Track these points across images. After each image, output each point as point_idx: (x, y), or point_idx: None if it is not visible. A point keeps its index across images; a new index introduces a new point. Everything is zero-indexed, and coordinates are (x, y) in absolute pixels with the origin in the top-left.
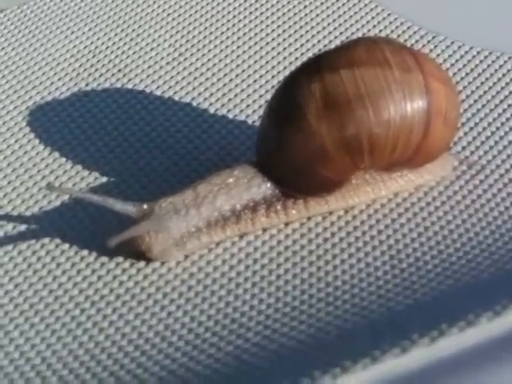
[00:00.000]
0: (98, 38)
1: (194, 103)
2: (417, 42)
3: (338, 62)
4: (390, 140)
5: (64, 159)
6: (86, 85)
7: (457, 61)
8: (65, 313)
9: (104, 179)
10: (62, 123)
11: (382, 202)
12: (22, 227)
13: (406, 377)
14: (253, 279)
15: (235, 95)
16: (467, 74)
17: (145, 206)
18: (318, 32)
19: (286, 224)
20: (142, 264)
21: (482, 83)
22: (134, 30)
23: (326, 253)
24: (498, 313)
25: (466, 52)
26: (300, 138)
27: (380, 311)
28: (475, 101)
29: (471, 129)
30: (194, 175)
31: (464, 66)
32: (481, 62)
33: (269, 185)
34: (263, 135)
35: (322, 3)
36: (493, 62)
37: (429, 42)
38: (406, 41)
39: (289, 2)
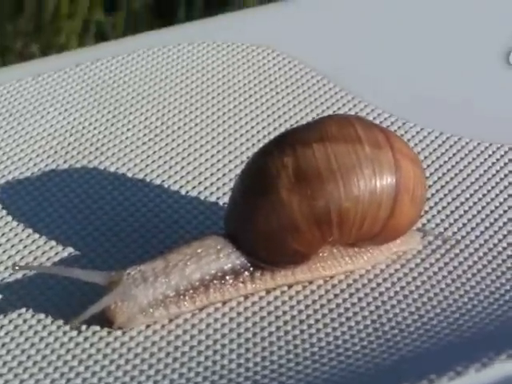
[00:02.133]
0: (74, 119)
1: (170, 181)
2: (388, 127)
3: (311, 137)
4: (358, 215)
5: (38, 234)
6: (64, 162)
7: (427, 145)
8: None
9: (76, 252)
10: (41, 198)
11: (361, 272)
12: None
13: None
14: (238, 341)
15: (211, 174)
16: (438, 158)
17: (113, 274)
18: (285, 113)
19: (268, 292)
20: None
21: (453, 167)
22: (109, 112)
23: (309, 317)
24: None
25: (436, 137)
26: (271, 209)
27: (367, 367)
28: (447, 182)
29: (444, 208)
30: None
31: (434, 150)
32: (450, 147)
33: (238, 255)
34: (233, 205)
35: (287, 87)
36: (462, 147)
37: (399, 127)
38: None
39: (256, 85)
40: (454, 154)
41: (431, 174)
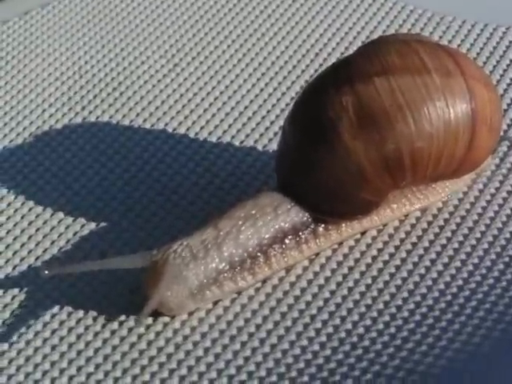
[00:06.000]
0: (79, 58)
1: (196, 132)
2: (425, 25)
3: (370, 70)
4: (433, 154)
5: (49, 214)
6: (76, 114)
7: (475, 40)
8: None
9: (96, 232)
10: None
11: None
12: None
13: None
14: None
15: (257, 124)
16: (492, 54)
17: (154, 253)
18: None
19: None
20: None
21: None
22: (115, 45)
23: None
24: None
25: (482, 30)
26: (333, 158)
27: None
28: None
29: None
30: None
31: (485, 44)
32: (501, 39)
33: (297, 211)
34: (287, 156)
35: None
36: None
37: (438, 24)
38: (422, 30)
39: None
40: (507, 47)
41: (491, 73)
